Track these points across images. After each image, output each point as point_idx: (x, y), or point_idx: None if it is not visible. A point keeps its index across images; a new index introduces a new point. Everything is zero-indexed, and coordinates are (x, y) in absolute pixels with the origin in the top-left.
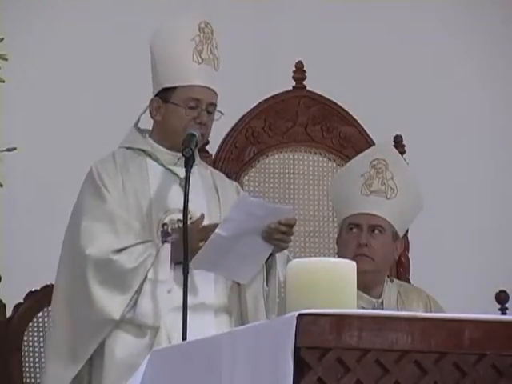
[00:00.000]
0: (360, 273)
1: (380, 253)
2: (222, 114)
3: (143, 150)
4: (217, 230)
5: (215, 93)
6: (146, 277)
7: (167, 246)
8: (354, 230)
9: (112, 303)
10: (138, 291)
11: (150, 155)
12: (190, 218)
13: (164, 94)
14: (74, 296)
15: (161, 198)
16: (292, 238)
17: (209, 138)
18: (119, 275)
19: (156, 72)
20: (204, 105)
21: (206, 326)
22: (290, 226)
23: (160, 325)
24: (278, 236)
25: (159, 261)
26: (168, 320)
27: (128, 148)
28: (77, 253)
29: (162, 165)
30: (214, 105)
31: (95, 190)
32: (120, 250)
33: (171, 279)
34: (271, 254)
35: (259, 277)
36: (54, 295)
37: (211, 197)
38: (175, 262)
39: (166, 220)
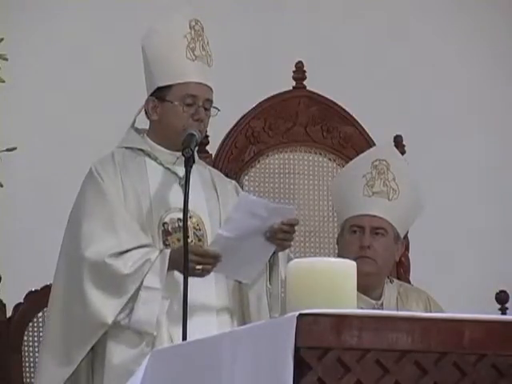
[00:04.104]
0: (363, 275)
1: (382, 255)
2: (219, 110)
3: (142, 150)
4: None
5: (211, 89)
6: (141, 283)
7: (166, 253)
8: (357, 231)
9: (105, 307)
10: (134, 298)
11: (148, 155)
12: (190, 217)
13: (159, 93)
14: (70, 297)
15: (161, 197)
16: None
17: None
18: (114, 280)
19: (150, 72)
20: (201, 101)
21: (207, 328)
22: (292, 225)
23: (156, 332)
24: (281, 236)
25: (157, 268)
26: (169, 326)
27: (127, 148)
28: (76, 255)
29: (161, 164)
30: (210, 101)
31: (95, 190)
32: (118, 254)
33: (168, 286)
34: (274, 253)
35: (262, 276)
36: (51, 295)
37: (210, 195)
38: (172, 269)
39: (167, 219)
